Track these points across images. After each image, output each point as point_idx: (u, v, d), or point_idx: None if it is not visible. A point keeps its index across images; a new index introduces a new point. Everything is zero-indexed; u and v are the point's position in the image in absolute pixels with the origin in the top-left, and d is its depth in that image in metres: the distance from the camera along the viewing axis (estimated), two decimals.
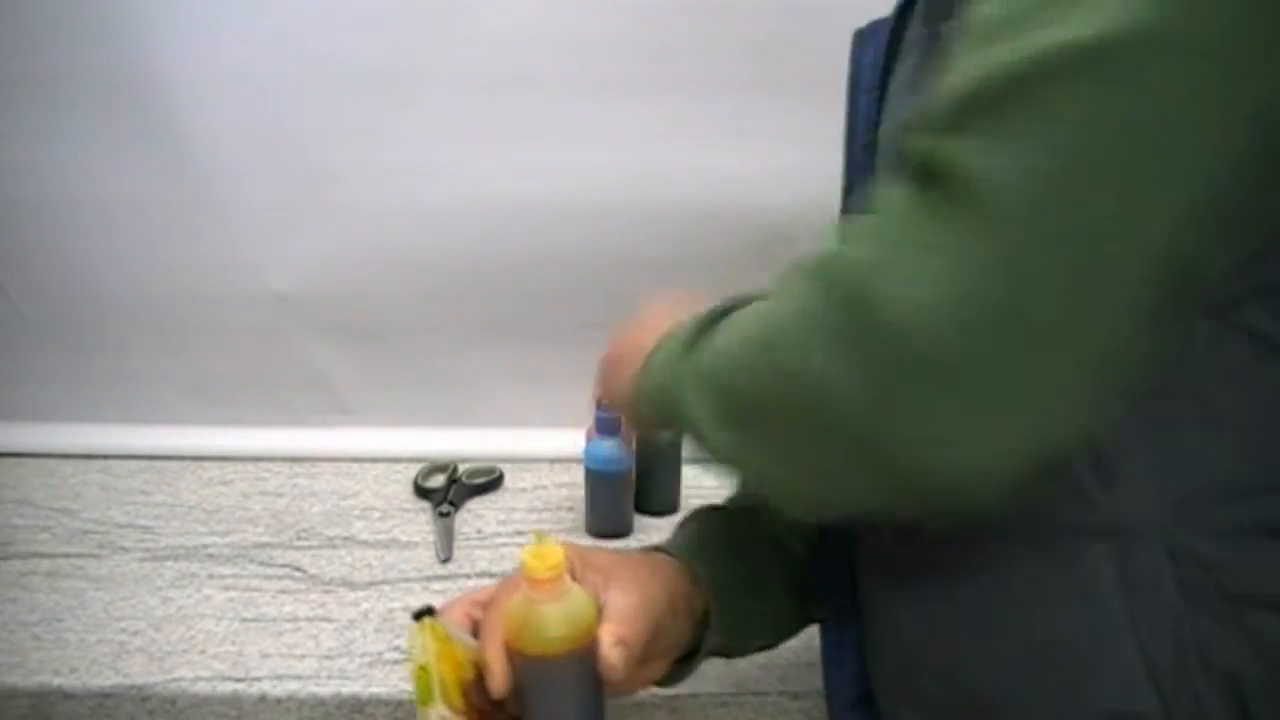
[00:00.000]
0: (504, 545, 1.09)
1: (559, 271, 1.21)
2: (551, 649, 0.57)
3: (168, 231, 1.24)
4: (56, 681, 0.88)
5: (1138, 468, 0.50)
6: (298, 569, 1.05)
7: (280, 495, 1.20)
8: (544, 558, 0.57)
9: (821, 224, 0.56)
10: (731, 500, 0.77)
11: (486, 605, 0.62)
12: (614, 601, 0.60)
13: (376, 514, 1.16)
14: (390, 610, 0.98)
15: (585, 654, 0.58)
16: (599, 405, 1.02)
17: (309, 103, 1.18)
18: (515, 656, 0.58)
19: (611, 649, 0.58)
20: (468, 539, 1.11)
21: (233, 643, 0.93)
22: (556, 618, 0.57)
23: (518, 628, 0.58)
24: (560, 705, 0.59)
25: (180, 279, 1.25)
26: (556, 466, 1.24)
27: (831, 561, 0.70)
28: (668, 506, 1.14)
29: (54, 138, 1.20)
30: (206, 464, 1.27)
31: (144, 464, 1.27)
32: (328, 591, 1.02)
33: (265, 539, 1.11)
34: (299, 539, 1.11)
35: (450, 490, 1.19)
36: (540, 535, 0.58)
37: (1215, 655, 0.49)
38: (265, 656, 0.91)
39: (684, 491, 1.14)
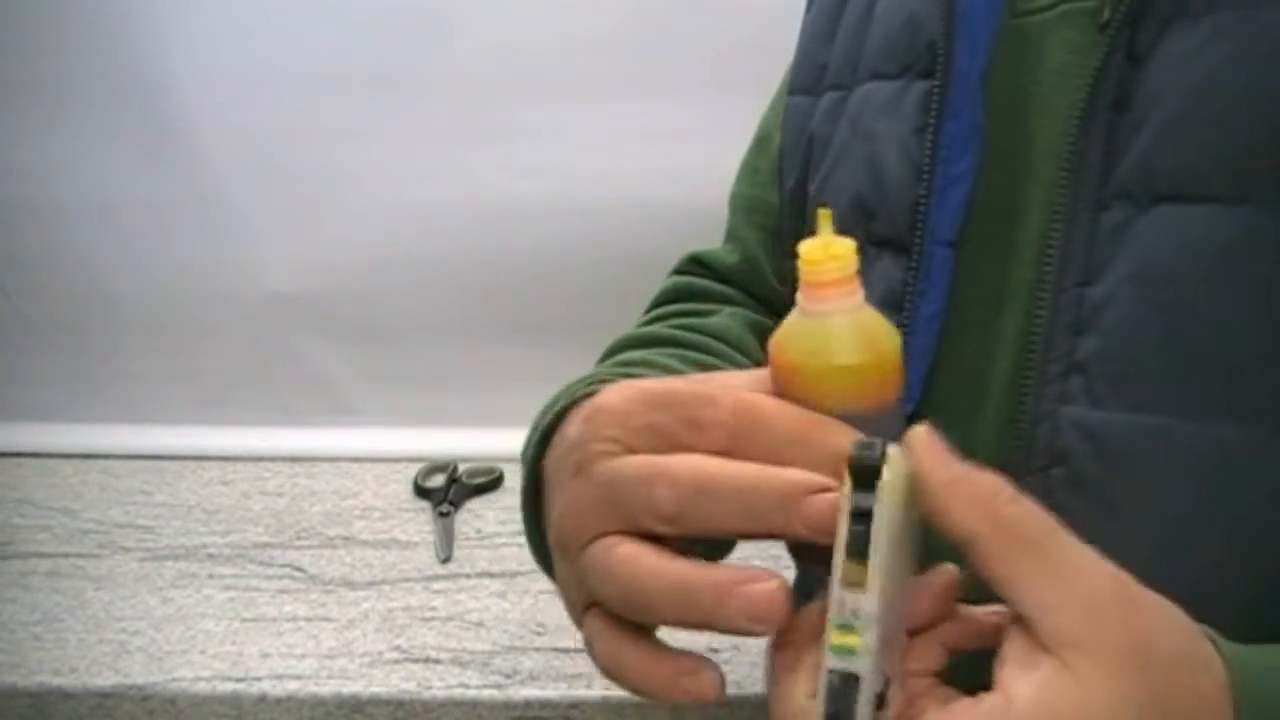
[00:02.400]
0: (504, 545, 1.09)
1: (559, 271, 1.21)
2: (846, 382, 0.36)
3: (168, 231, 1.24)
4: (56, 681, 0.88)
5: None
6: (298, 569, 1.05)
7: (280, 495, 1.20)
8: (829, 250, 0.36)
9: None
10: None
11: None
12: None
13: (376, 514, 1.16)
14: (390, 610, 0.98)
15: (893, 398, 0.38)
16: None
17: (309, 103, 1.18)
18: (789, 397, 0.37)
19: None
20: (468, 539, 1.11)
21: (233, 643, 0.93)
22: (850, 335, 0.36)
23: (794, 354, 0.37)
24: None
25: (181, 279, 1.25)
26: None
27: None
28: None
29: (54, 138, 1.20)
30: (206, 464, 1.27)
31: (144, 464, 1.27)
32: (328, 591, 1.02)
33: (265, 539, 1.11)
34: (299, 539, 1.11)
35: (450, 490, 1.19)
36: (826, 214, 0.36)
37: None
38: (265, 656, 0.91)
39: None
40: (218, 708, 0.87)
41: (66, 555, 1.08)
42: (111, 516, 1.16)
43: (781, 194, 0.65)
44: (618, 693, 0.86)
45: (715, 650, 0.90)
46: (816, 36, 0.64)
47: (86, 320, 1.28)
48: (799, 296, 0.37)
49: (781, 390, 0.37)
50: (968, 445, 0.32)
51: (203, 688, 0.87)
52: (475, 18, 1.16)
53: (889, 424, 0.36)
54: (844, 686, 0.32)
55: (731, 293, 0.68)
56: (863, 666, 0.32)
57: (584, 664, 0.90)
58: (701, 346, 0.62)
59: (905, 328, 0.51)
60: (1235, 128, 0.43)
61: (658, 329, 0.65)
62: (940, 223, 0.51)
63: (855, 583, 0.32)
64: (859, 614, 0.32)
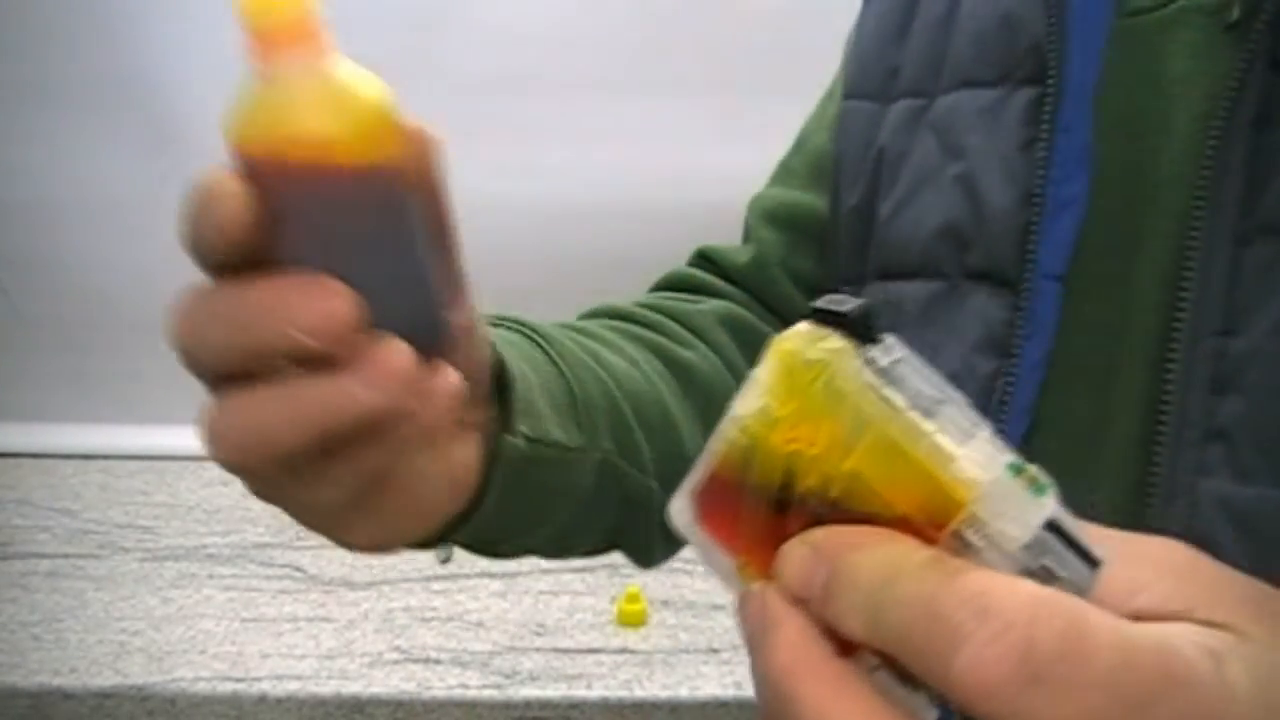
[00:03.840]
0: None
1: (558, 271, 1.21)
2: (317, 153, 0.29)
3: (168, 231, 1.23)
4: (56, 681, 0.88)
5: None
6: (298, 569, 1.05)
7: None
8: None
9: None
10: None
11: None
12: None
13: None
14: (390, 610, 0.98)
15: (377, 174, 0.30)
16: None
17: None
18: (258, 173, 0.30)
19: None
20: None
21: (233, 643, 0.93)
22: (302, 99, 0.29)
23: (238, 125, 0.30)
24: (348, 258, 0.30)
25: (181, 279, 1.25)
26: None
27: None
28: None
29: (55, 138, 1.20)
30: (206, 464, 1.26)
31: (144, 464, 1.27)
32: (328, 591, 1.01)
33: (265, 539, 1.11)
34: (299, 539, 1.11)
35: None
36: None
37: None
38: (265, 656, 0.91)
39: None
40: (218, 708, 0.87)
41: (66, 555, 1.08)
42: (111, 517, 1.15)
43: (837, 207, 0.58)
44: (618, 692, 0.86)
45: (715, 650, 0.91)
46: (883, 35, 0.56)
47: (86, 320, 1.28)
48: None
49: (244, 170, 0.30)
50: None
51: (203, 688, 0.87)
52: (474, 18, 1.16)
53: (384, 214, 0.30)
54: (1059, 536, 0.23)
55: (732, 291, 0.64)
56: (1056, 508, 0.23)
57: (584, 664, 0.89)
58: (656, 326, 0.57)
59: (1009, 375, 0.45)
60: None
61: (618, 303, 0.61)
62: (1049, 254, 0.44)
63: (968, 428, 0.23)
64: (998, 449, 0.23)
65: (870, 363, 0.23)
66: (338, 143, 0.29)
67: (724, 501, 0.26)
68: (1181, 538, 0.34)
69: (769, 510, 0.25)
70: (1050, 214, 0.44)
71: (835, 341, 0.24)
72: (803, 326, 0.24)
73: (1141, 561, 0.24)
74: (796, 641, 0.24)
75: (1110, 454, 0.42)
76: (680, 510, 0.27)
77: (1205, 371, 0.39)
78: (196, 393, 0.33)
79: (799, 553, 0.25)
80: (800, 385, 0.24)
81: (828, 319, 0.24)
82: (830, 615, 0.24)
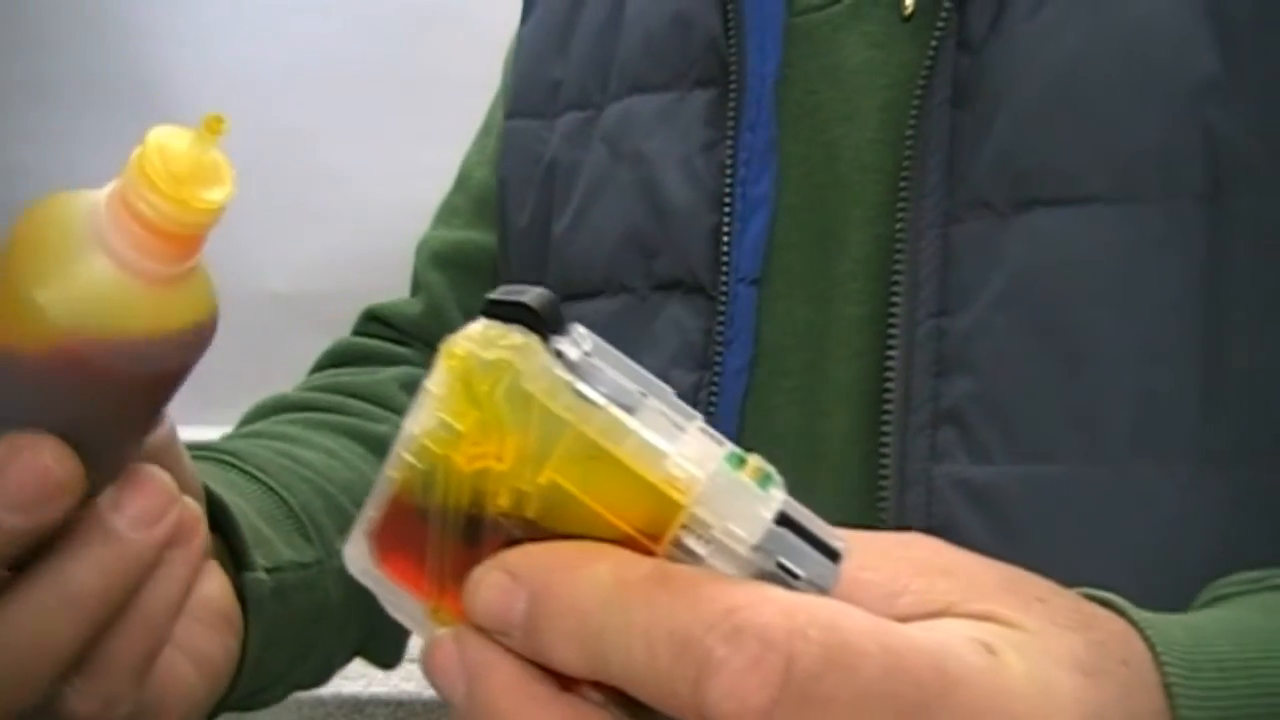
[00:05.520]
0: None
1: None
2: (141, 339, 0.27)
3: None
4: None
5: None
6: None
7: None
8: (195, 165, 0.26)
9: None
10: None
11: None
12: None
13: None
14: None
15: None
16: None
17: (309, 103, 1.18)
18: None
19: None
20: None
21: None
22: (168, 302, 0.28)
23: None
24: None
25: None
26: None
27: None
28: None
29: (54, 139, 1.20)
30: None
31: None
32: None
33: None
34: None
35: None
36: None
37: None
38: None
39: None
40: None
41: None
42: None
43: (506, 231, 0.55)
44: None
45: None
46: (542, 50, 0.55)
47: None
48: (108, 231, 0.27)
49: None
50: None
51: None
52: (475, 17, 1.16)
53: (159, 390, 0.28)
54: (789, 526, 0.20)
55: (406, 352, 0.61)
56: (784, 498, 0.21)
57: None
58: (339, 408, 0.55)
59: (711, 385, 0.43)
60: (1113, 115, 0.37)
61: (293, 394, 0.59)
62: (742, 257, 0.43)
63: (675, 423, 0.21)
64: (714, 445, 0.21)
65: (559, 356, 0.21)
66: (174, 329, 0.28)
67: (406, 537, 0.22)
68: (922, 526, 0.35)
69: (459, 541, 0.22)
70: (741, 216, 0.43)
71: (516, 337, 0.21)
72: (476, 326, 0.21)
73: (891, 561, 0.22)
74: (513, 685, 0.21)
75: (829, 454, 0.41)
76: (356, 555, 0.23)
77: (927, 354, 0.38)
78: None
79: (491, 579, 0.21)
80: (479, 393, 0.21)
81: (505, 312, 0.21)
82: (537, 649, 0.20)
